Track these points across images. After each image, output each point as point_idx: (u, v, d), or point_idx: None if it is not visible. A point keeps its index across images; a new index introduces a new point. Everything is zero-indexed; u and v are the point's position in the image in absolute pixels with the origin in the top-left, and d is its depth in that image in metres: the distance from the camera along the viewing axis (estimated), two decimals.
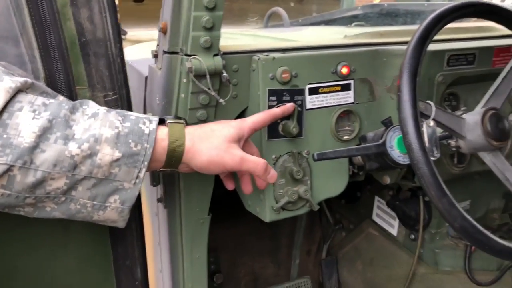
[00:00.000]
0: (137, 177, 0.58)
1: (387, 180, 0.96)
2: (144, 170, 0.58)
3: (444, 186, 0.63)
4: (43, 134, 0.53)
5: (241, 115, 0.81)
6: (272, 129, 0.79)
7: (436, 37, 0.91)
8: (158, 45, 0.82)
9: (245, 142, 0.71)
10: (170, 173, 0.82)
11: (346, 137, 0.85)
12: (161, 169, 0.63)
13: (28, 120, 0.53)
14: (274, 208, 0.82)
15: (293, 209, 0.83)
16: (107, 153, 0.55)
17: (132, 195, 0.59)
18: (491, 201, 1.24)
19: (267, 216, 0.83)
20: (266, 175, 0.68)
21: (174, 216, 0.86)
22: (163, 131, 0.62)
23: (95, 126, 0.56)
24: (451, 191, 0.66)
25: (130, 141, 0.57)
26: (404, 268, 1.29)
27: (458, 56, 0.90)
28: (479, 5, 0.76)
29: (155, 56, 0.81)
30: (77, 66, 0.69)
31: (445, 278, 1.23)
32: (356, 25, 1.67)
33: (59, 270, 0.81)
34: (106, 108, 0.60)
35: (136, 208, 0.82)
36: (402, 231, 1.32)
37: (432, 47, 0.89)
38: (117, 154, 0.56)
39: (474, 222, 0.64)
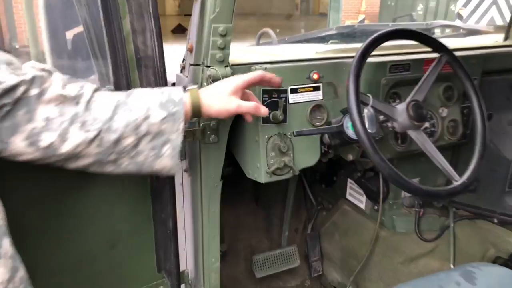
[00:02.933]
0: (178, 129, 0.90)
1: (350, 157, 1.31)
2: (182, 123, 0.90)
3: (376, 147, 0.98)
4: (115, 110, 0.86)
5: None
6: (265, 117, 1.13)
7: (382, 52, 1.27)
8: (184, 60, 1.16)
9: (244, 92, 1.01)
10: (193, 150, 1.15)
11: (317, 124, 1.20)
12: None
13: (104, 103, 0.86)
14: (268, 172, 1.15)
15: (280, 174, 1.17)
16: (157, 115, 0.88)
17: (178, 142, 0.91)
18: (437, 178, 1.59)
19: (263, 178, 1.16)
20: (259, 111, 1.00)
21: (196, 182, 1.20)
22: (186, 95, 0.95)
23: (145, 100, 0.89)
24: (404, 170, 1.00)
25: (169, 106, 0.90)
26: (370, 233, 1.63)
27: (397, 66, 1.26)
28: (403, 31, 1.12)
29: (183, 67, 1.16)
30: (133, 74, 1.03)
31: (401, 238, 1.58)
32: (331, 43, 2.04)
33: (114, 218, 1.13)
34: (149, 89, 0.94)
35: (169, 178, 1.15)
36: (368, 204, 1.67)
37: (378, 59, 1.25)
38: (163, 115, 0.88)
39: (396, 170, 0.99)
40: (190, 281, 1.32)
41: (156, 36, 1.02)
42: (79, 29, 1.09)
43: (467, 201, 1.55)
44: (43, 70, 0.82)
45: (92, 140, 0.83)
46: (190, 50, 1.10)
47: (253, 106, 0.99)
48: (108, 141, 0.85)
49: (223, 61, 1.06)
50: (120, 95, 0.89)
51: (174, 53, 1.30)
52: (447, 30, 2.72)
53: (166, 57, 1.08)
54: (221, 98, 0.96)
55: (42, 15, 1.10)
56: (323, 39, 2.12)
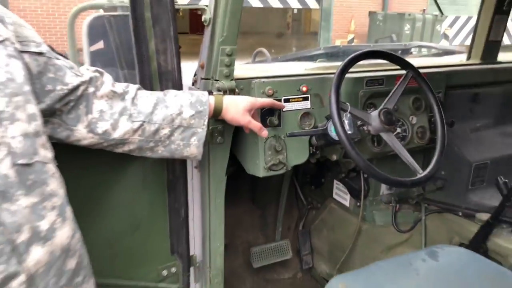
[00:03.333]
0: (204, 124, 1.13)
1: (334, 157, 1.54)
2: (207, 119, 1.13)
3: (353, 145, 1.22)
4: (155, 106, 1.09)
5: None
6: (263, 122, 1.36)
7: (360, 69, 1.52)
8: (195, 75, 1.40)
9: (254, 112, 1.27)
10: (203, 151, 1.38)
11: (306, 128, 1.43)
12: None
13: (147, 100, 1.09)
14: (265, 168, 1.37)
15: (276, 169, 1.40)
16: (188, 112, 1.11)
17: (203, 134, 1.13)
18: (410, 176, 1.82)
19: (261, 173, 1.39)
20: (261, 132, 1.25)
21: (204, 177, 1.42)
22: (211, 99, 1.18)
23: (179, 99, 1.12)
24: (381, 169, 1.23)
25: (197, 105, 1.13)
26: (354, 227, 1.85)
27: (372, 80, 1.51)
28: (374, 52, 1.37)
29: (195, 81, 1.39)
30: (156, 86, 1.26)
31: (380, 230, 1.80)
32: (319, 61, 2.30)
33: (136, 206, 1.35)
34: (182, 90, 1.17)
35: (182, 173, 1.37)
36: (352, 202, 1.89)
37: (356, 75, 1.50)
38: (192, 112, 1.12)
39: (370, 164, 1.22)
40: (198, 264, 1.53)
41: (175, 55, 1.26)
42: (99, 45, 1.33)
43: (436, 198, 1.79)
44: (96, 71, 1.05)
45: (137, 130, 1.07)
46: (201, 66, 1.34)
47: (259, 127, 1.25)
48: (149, 131, 1.08)
49: (229, 76, 1.30)
50: (159, 94, 1.13)
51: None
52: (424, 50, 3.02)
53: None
54: (238, 110, 1.21)
55: (85, 35, 1.35)
56: (312, 58, 2.39)
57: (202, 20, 1.30)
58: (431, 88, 1.44)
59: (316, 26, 12.74)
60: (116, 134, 1.06)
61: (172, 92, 1.16)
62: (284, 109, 1.39)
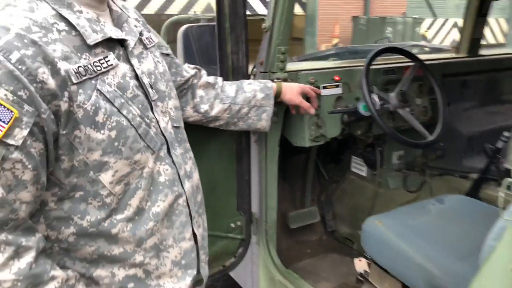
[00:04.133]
0: (271, 103, 1.49)
1: (358, 132, 1.96)
2: (273, 100, 1.51)
3: (381, 116, 1.64)
4: (236, 92, 1.46)
5: None
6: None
7: (379, 62, 1.95)
8: (253, 69, 1.81)
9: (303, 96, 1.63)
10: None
11: (339, 108, 1.85)
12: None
13: (231, 88, 1.48)
14: (310, 139, 1.79)
15: (317, 140, 1.81)
16: (260, 95, 1.49)
17: (271, 111, 1.51)
18: (416, 151, 2.27)
19: (306, 143, 1.79)
20: (310, 110, 1.62)
21: (262, 149, 1.82)
22: (274, 84, 1.54)
23: (252, 86, 1.50)
24: (393, 144, 1.65)
25: (265, 90, 1.50)
26: (371, 192, 2.28)
27: (387, 70, 1.94)
28: (392, 48, 1.81)
29: (254, 75, 1.80)
30: (230, 78, 1.66)
31: (394, 192, 2.23)
32: (332, 60, 2.74)
33: (214, 171, 1.74)
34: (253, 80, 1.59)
35: (247, 145, 1.77)
36: (369, 172, 2.32)
37: (375, 67, 1.93)
38: (263, 95, 1.50)
39: (392, 129, 1.65)
40: (256, 218, 1.94)
41: (245, 55, 1.66)
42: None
43: (438, 164, 2.23)
44: (195, 68, 1.45)
45: (226, 109, 1.46)
46: (261, 63, 1.75)
47: (309, 106, 1.63)
48: (234, 110, 1.47)
49: (283, 69, 1.72)
50: (237, 82, 1.52)
51: None
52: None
53: None
54: (293, 92, 1.61)
55: (180, 41, 1.76)
56: (325, 58, 2.82)
57: (262, 27, 1.71)
58: (434, 75, 1.88)
59: (299, 32, 13.27)
60: (213, 113, 1.45)
61: (246, 81, 1.56)
62: (322, 94, 1.81)
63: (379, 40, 8.83)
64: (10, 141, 0.75)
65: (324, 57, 2.78)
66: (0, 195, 0.75)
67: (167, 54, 1.29)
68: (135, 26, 1.03)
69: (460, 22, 2.49)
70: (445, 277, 1.35)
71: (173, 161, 1.05)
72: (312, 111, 1.66)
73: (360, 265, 1.83)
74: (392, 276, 1.57)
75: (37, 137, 0.78)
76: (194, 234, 1.11)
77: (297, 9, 14.18)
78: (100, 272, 0.95)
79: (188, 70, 1.41)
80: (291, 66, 1.83)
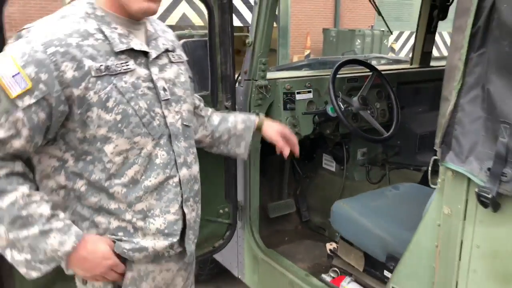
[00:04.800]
0: (250, 134, 1.60)
1: (327, 131, 2.30)
2: (252, 132, 1.60)
3: (346, 119, 1.98)
4: (219, 122, 1.72)
5: (271, 104, 2.12)
6: (285, 105, 2.09)
7: (344, 72, 2.31)
8: (239, 77, 2.12)
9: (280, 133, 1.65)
10: None
11: (311, 110, 2.18)
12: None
13: (215, 118, 1.74)
14: None
15: None
16: (240, 126, 1.58)
17: (249, 140, 1.60)
18: (377, 148, 2.63)
19: None
20: (284, 150, 1.64)
21: None
22: (257, 118, 1.63)
23: (236, 116, 1.62)
24: (357, 143, 1.99)
25: (247, 121, 1.60)
26: (339, 185, 2.62)
27: (350, 79, 2.29)
28: (354, 60, 2.16)
29: (239, 82, 2.11)
30: (219, 85, 1.97)
31: (358, 184, 2.58)
32: (304, 70, 3.09)
33: (207, 167, 2.03)
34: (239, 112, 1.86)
35: None
36: (337, 167, 2.66)
37: (339, 76, 2.28)
38: (243, 126, 1.59)
39: (356, 127, 1.99)
40: (241, 206, 2.23)
41: (232, 66, 1.97)
42: None
43: (396, 160, 2.59)
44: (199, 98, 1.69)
45: (207, 135, 1.59)
46: (245, 72, 2.07)
47: (282, 146, 1.65)
48: (215, 136, 1.60)
49: (264, 77, 2.04)
50: (224, 114, 1.65)
51: None
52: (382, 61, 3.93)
53: None
54: (273, 131, 1.65)
55: None
56: (298, 68, 3.18)
57: (246, 42, 2.03)
58: (389, 83, 2.25)
59: (272, 43, 13.68)
60: (196, 137, 1.52)
61: (232, 113, 1.69)
62: (296, 98, 2.14)
63: (346, 52, 9.37)
64: (18, 102, 1.03)
65: (298, 67, 3.13)
66: (4, 135, 1.04)
67: (190, 77, 1.48)
68: (163, 44, 1.27)
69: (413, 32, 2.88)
70: (397, 244, 1.68)
71: (172, 150, 1.26)
72: (286, 153, 1.67)
73: (330, 247, 2.16)
74: (356, 248, 1.90)
75: (42, 109, 1.05)
76: (183, 213, 1.30)
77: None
78: (100, 219, 1.20)
79: (196, 101, 1.58)
80: (270, 75, 2.16)
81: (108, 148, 1.15)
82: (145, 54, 1.21)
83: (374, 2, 2.36)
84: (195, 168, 1.37)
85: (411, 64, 2.86)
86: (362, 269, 1.90)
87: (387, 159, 2.60)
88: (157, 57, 1.24)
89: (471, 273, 1.21)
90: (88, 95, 1.09)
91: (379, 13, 2.36)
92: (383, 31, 12.96)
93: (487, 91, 1.10)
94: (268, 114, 2.13)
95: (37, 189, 1.17)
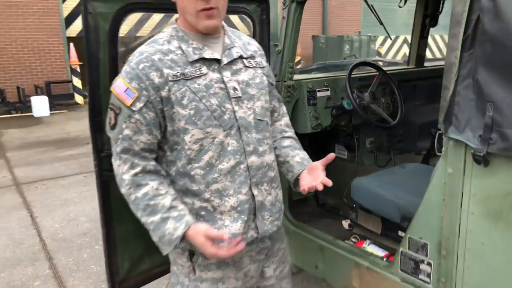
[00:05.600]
0: (298, 170, 1.57)
1: (342, 122, 2.73)
2: (302, 169, 1.58)
3: (361, 108, 2.42)
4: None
5: (297, 100, 2.54)
6: (309, 101, 2.51)
7: (354, 73, 2.76)
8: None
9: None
10: None
11: (329, 105, 2.61)
12: None
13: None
14: (311, 127, 2.53)
15: (316, 128, 2.55)
16: (296, 158, 1.60)
17: (295, 175, 1.58)
18: (383, 137, 3.07)
19: (308, 130, 2.53)
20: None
21: None
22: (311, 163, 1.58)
23: (299, 154, 1.63)
24: (366, 133, 2.43)
25: (305, 161, 1.60)
26: (351, 170, 3.04)
27: (360, 78, 2.74)
28: (364, 62, 2.61)
29: None
30: None
31: (369, 169, 3.01)
32: (314, 73, 3.53)
33: None
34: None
35: None
36: (348, 155, 3.09)
37: (353, 76, 2.71)
38: (299, 160, 1.59)
39: (368, 116, 2.43)
40: None
41: None
42: None
43: (399, 146, 3.04)
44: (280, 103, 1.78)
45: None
46: (275, 75, 2.49)
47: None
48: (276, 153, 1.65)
49: (291, 78, 2.46)
50: (296, 144, 1.71)
51: None
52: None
53: None
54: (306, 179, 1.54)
55: None
56: (308, 71, 3.62)
57: (276, 50, 2.45)
58: (394, 81, 2.69)
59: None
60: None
61: (302, 152, 1.66)
62: (318, 96, 2.57)
63: (347, 57, 9.95)
64: (133, 108, 1.35)
65: (308, 71, 3.58)
66: (130, 134, 1.37)
67: (271, 83, 1.66)
68: (237, 52, 1.47)
69: (410, 38, 3.35)
70: (409, 206, 2.11)
71: (241, 139, 1.43)
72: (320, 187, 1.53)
73: (346, 224, 2.58)
74: (374, 215, 2.32)
75: (149, 109, 1.35)
76: (253, 195, 1.45)
77: None
78: (187, 200, 1.43)
79: (276, 105, 1.71)
80: (295, 76, 2.59)
81: (187, 138, 1.38)
82: (218, 61, 1.43)
83: (376, 13, 2.80)
84: (269, 157, 1.51)
85: (408, 65, 3.32)
86: (380, 232, 2.32)
87: (391, 146, 3.03)
88: (231, 63, 1.45)
89: (470, 215, 1.63)
90: (170, 96, 1.36)
91: (381, 23, 2.79)
92: (370, 36, 13.53)
93: (476, 80, 1.52)
94: (294, 109, 2.55)
95: (169, 184, 1.43)
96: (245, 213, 1.45)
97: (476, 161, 1.55)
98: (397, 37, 15.86)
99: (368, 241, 2.36)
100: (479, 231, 1.60)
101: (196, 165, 1.41)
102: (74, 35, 11.17)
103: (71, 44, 10.56)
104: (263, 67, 1.57)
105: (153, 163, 1.43)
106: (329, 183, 1.49)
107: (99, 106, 1.70)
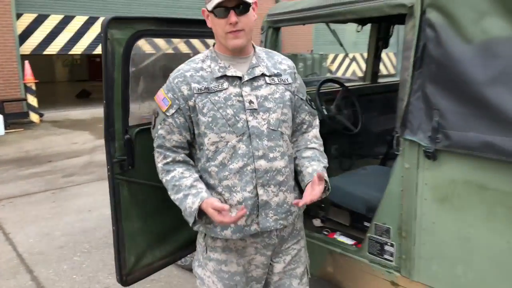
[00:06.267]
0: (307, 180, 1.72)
1: None
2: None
3: (329, 120, 2.81)
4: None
5: None
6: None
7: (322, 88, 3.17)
8: None
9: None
10: None
11: None
12: None
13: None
14: None
15: None
16: (309, 169, 1.77)
17: (305, 183, 1.68)
18: (345, 144, 3.48)
19: None
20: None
21: None
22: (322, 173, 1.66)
23: (315, 164, 1.79)
24: (330, 141, 2.82)
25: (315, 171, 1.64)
26: None
27: (326, 93, 3.14)
28: (330, 79, 3.02)
29: None
30: None
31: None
32: None
33: None
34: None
35: None
36: None
37: (321, 91, 3.11)
38: (310, 171, 1.69)
39: (338, 127, 2.82)
40: None
41: None
42: None
43: (360, 152, 3.46)
44: (313, 117, 1.95)
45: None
46: None
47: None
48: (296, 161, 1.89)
49: None
50: (320, 155, 1.89)
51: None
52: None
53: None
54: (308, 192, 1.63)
55: None
56: None
57: None
58: (354, 95, 3.12)
59: None
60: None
61: (320, 163, 1.84)
62: None
63: (310, 75, 10.51)
64: (167, 113, 1.65)
65: None
66: (164, 133, 1.67)
67: (301, 98, 1.82)
68: (260, 71, 1.66)
69: (357, 56, 3.82)
70: (373, 199, 2.48)
71: (251, 145, 1.60)
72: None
73: (317, 222, 2.93)
74: (343, 209, 2.69)
75: (180, 115, 1.64)
76: (257, 193, 1.62)
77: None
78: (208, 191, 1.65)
79: (306, 118, 1.86)
80: None
81: (206, 140, 1.64)
82: (240, 78, 1.63)
83: (337, 36, 3.22)
84: (279, 163, 1.65)
85: (364, 81, 3.78)
86: (348, 223, 2.70)
87: (353, 152, 3.45)
88: (253, 80, 1.64)
89: (423, 201, 2.02)
90: (196, 105, 1.63)
91: (341, 44, 3.22)
92: (321, 54, 14.27)
93: (425, 93, 1.93)
94: None
95: (196, 171, 1.71)
96: (248, 208, 1.63)
97: (427, 157, 1.94)
98: (346, 55, 16.75)
99: (338, 233, 2.72)
100: (430, 213, 1.99)
101: (212, 163, 1.65)
102: (28, 52, 11.04)
103: (26, 62, 10.41)
104: (288, 84, 1.72)
105: (182, 155, 1.71)
106: (302, 202, 1.56)
107: (112, 119, 1.96)
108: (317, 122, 1.93)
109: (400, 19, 2.45)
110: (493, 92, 1.65)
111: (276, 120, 1.65)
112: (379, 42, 3.53)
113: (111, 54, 1.86)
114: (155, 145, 1.72)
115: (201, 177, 1.71)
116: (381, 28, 3.51)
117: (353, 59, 16.87)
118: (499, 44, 1.63)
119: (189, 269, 3.48)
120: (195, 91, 1.63)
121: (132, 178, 2.07)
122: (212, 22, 1.62)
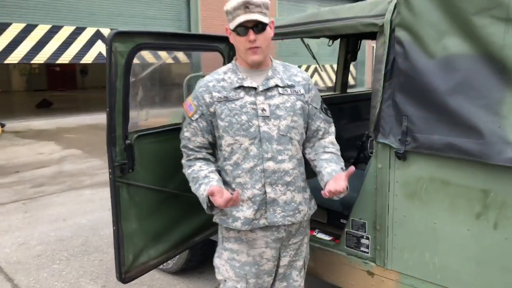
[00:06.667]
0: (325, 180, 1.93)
1: None
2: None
3: None
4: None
5: None
6: None
7: None
8: None
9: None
10: None
11: None
12: None
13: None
14: None
15: None
16: (328, 170, 1.97)
17: (323, 183, 1.90)
18: None
19: None
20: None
21: None
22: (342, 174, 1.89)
23: (332, 165, 1.98)
24: None
25: (333, 173, 1.92)
26: None
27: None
28: None
29: None
30: None
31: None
32: None
33: None
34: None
35: None
36: None
37: None
38: (328, 172, 1.94)
39: None
40: None
41: None
42: None
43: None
44: (328, 125, 2.18)
45: (312, 160, 2.07)
46: None
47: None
48: (312, 164, 2.06)
49: None
50: (336, 159, 2.05)
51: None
52: None
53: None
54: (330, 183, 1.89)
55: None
56: None
57: None
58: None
59: None
60: (303, 150, 2.07)
61: (337, 166, 1.99)
62: None
63: None
64: (192, 118, 1.88)
65: None
66: (189, 136, 1.91)
67: (315, 107, 2.00)
68: (274, 82, 1.83)
69: (318, 67, 4.10)
70: (349, 198, 2.70)
71: (261, 148, 1.79)
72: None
73: None
74: (321, 208, 2.91)
75: (203, 119, 1.86)
76: (265, 191, 1.82)
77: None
78: (225, 187, 1.82)
79: (321, 125, 2.03)
80: None
81: (223, 142, 1.86)
82: (255, 88, 1.82)
83: (310, 49, 3.47)
84: (287, 165, 1.85)
85: (334, 91, 4.06)
86: (325, 221, 2.92)
87: None
88: (267, 90, 1.83)
89: (395, 197, 2.26)
90: (215, 111, 1.84)
91: (313, 57, 3.48)
92: None
93: (395, 101, 2.18)
94: None
95: (216, 167, 1.92)
96: (257, 204, 1.83)
97: (397, 158, 2.18)
98: (309, 66, 17.25)
99: (317, 230, 2.94)
100: (401, 207, 2.23)
101: (228, 162, 1.87)
102: None
103: None
104: (300, 94, 1.90)
105: (203, 153, 1.93)
106: (327, 190, 1.80)
107: (114, 125, 2.10)
108: (333, 129, 2.12)
109: (368, 35, 2.71)
110: (453, 100, 1.89)
111: (286, 126, 1.84)
112: (348, 55, 3.81)
113: (114, 65, 2.01)
114: (180, 145, 1.97)
115: (220, 174, 1.91)
116: (350, 42, 3.80)
117: (315, 70, 17.38)
118: (457, 60, 1.88)
119: (171, 273, 3.61)
120: (215, 99, 1.84)
121: (131, 181, 2.21)
122: (234, 39, 1.81)
